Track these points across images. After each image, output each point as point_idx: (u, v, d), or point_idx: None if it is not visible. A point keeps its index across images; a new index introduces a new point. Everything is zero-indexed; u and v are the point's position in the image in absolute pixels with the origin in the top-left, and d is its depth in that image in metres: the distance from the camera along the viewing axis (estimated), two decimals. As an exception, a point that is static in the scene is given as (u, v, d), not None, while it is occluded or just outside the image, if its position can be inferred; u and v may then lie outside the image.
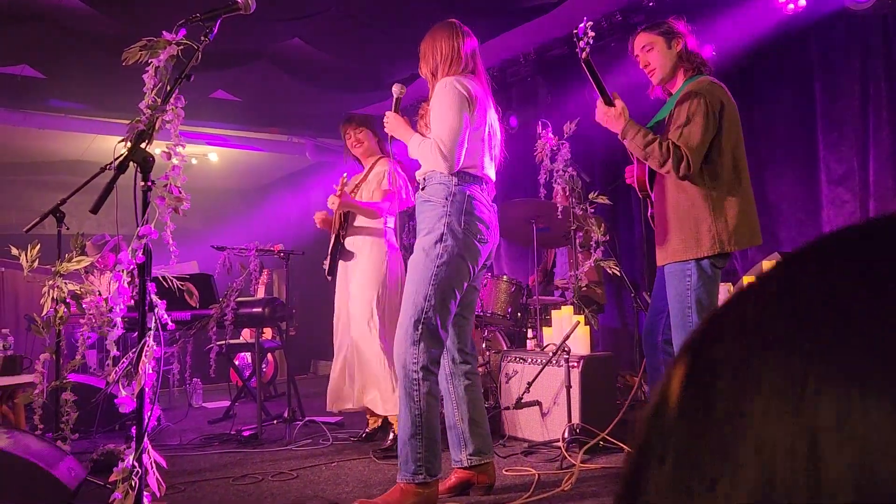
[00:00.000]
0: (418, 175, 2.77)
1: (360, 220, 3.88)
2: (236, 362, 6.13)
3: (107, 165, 2.78)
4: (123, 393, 1.76)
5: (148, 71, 1.87)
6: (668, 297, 2.85)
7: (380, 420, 3.91)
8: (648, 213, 3.07)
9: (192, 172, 8.48)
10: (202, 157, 8.28)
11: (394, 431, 3.63)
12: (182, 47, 1.91)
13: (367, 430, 4.01)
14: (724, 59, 4.71)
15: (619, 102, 2.84)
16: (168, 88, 1.88)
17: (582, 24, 2.79)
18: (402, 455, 2.56)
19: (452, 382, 2.79)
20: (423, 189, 2.71)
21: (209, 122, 7.34)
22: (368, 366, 3.73)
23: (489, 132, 2.78)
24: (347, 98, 6.92)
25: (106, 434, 4.28)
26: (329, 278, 3.97)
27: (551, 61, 6.14)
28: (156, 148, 1.93)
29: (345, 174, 3.93)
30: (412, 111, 2.96)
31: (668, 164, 2.70)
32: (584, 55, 2.79)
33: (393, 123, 2.82)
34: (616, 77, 5.07)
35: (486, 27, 5.36)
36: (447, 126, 2.61)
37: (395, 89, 2.92)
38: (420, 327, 2.56)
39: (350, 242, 3.88)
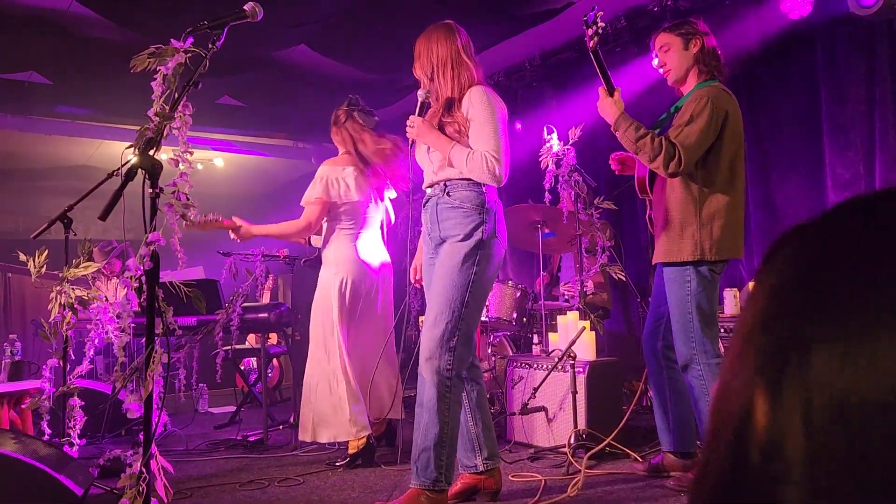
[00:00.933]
0: (434, 180, 2.74)
1: (327, 233, 3.69)
2: (242, 367, 6.14)
3: (114, 171, 2.80)
4: (131, 398, 1.77)
5: (156, 78, 1.89)
6: (669, 304, 2.86)
7: (384, 425, 3.86)
8: (647, 214, 3.08)
9: (197, 178, 8.53)
10: (208, 162, 8.31)
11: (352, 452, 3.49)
12: (190, 55, 1.92)
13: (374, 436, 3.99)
14: (730, 63, 4.71)
15: (616, 94, 2.86)
16: (176, 96, 1.89)
17: (592, 12, 2.79)
18: (423, 461, 2.54)
19: (465, 388, 2.79)
20: (448, 195, 2.68)
21: (215, 127, 7.37)
22: (315, 394, 3.52)
23: None
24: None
25: (113, 439, 4.29)
26: None
27: (557, 66, 6.15)
28: (161, 154, 1.95)
29: (209, 215, 3.53)
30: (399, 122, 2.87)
31: (659, 159, 2.70)
32: (592, 44, 2.80)
33: (422, 128, 2.70)
34: (620, 82, 5.07)
35: (492, 33, 5.37)
36: (498, 140, 2.61)
37: (421, 94, 2.78)
38: (458, 334, 2.55)
39: (324, 254, 3.72)
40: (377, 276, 3.68)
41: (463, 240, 2.61)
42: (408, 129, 2.76)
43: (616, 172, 3.24)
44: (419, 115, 2.76)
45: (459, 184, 2.66)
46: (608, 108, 2.85)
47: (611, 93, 2.87)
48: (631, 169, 3.13)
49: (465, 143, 2.65)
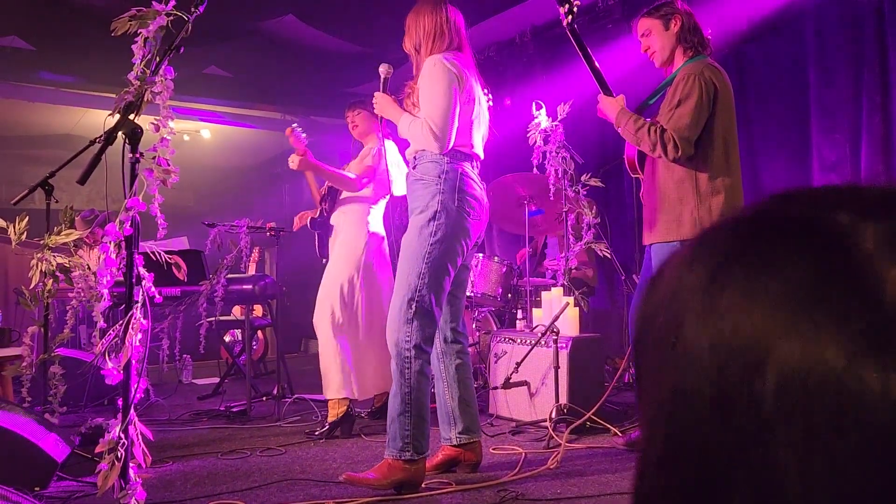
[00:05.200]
0: (408, 154, 2.78)
1: (345, 198, 3.83)
2: (227, 339, 6.13)
3: (97, 138, 2.76)
4: (110, 365, 1.76)
5: (137, 41, 1.85)
6: None
7: (384, 397, 3.86)
8: (640, 193, 3.09)
9: (184, 149, 8.43)
10: (194, 133, 8.22)
11: (333, 415, 3.62)
12: (172, 18, 1.89)
13: (375, 406, 4.01)
14: (719, 42, 4.69)
15: (620, 97, 2.90)
16: (157, 60, 1.86)
17: None
18: (391, 431, 2.57)
19: (444, 361, 2.80)
20: (414, 168, 2.71)
21: (202, 98, 7.28)
22: (322, 350, 3.69)
23: (478, 109, 2.78)
24: (340, 76, 6.88)
25: (95, 408, 4.28)
26: (323, 260, 3.94)
27: (548, 42, 6.10)
28: (148, 124, 1.92)
29: (294, 124, 3.78)
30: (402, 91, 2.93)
31: (658, 148, 2.72)
32: (567, 22, 2.80)
33: (382, 103, 2.81)
34: (614, 59, 5.05)
35: (483, 7, 5.32)
36: (437, 106, 2.60)
37: (382, 69, 2.90)
38: (413, 305, 2.56)
39: (334, 219, 3.86)
40: (386, 250, 3.85)
41: (422, 212, 2.64)
42: (374, 105, 2.85)
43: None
44: (383, 90, 2.86)
45: (423, 155, 2.68)
46: (608, 106, 2.90)
47: (606, 91, 2.93)
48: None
49: (418, 113, 2.68)
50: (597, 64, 2.93)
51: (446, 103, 2.61)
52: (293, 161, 3.65)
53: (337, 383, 3.59)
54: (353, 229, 3.77)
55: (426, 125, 2.59)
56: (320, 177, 3.84)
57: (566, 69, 5.71)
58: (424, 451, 2.60)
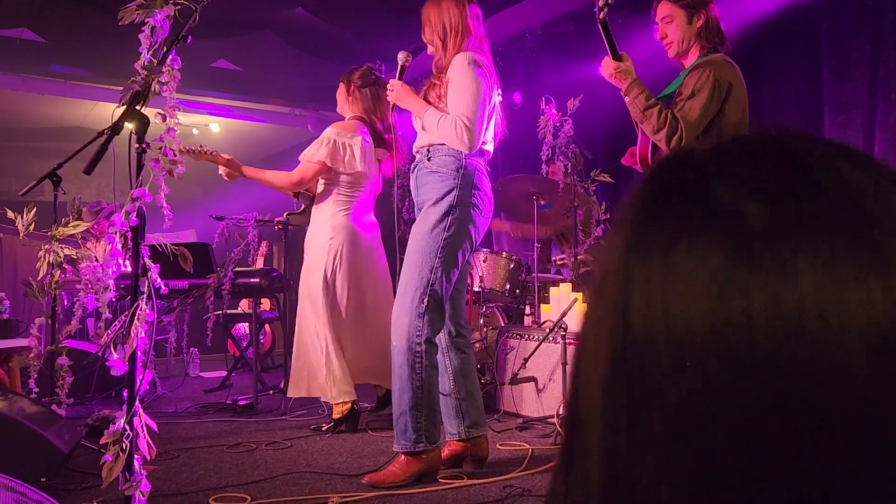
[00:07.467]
0: (419, 146, 2.75)
1: (321, 194, 3.65)
2: (234, 333, 6.14)
3: (105, 130, 2.75)
4: (115, 356, 1.75)
5: (144, 31, 1.84)
6: None
7: (385, 389, 3.83)
8: None
9: (193, 142, 8.43)
10: (203, 126, 8.22)
11: (335, 414, 3.53)
12: (179, 7, 1.87)
13: (378, 397, 3.99)
14: (732, 37, 4.64)
15: (627, 60, 2.75)
16: (165, 49, 1.84)
17: None
18: (400, 425, 2.57)
19: (448, 355, 2.79)
20: (428, 159, 2.68)
21: (211, 91, 7.28)
22: (306, 351, 3.57)
23: (495, 107, 2.77)
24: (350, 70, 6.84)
25: (102, 400, 4.30)
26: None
27: (558, 37, 6.06)
28: (155, 115, 1.91)
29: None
30: (415, 84, 2.89)
31: (662, 132, 2.63)
32: (601, 15, 2.70)
33: (401, 92, 2.74)
34: (635, 49, 4.99)
35: (494, 0, 5.28)
36: (472, 105, 2.58)
37: (401, 56, 2.83)
38: (426, 300, 2.56)
39: (317, 217, 3.69)
40: (370, 242, 3.71)
41: (434, 204, 2.61)
42: (388, 92, 2.78)
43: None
44: (399, 78, 2.79)
45: (440, 149, 2.66)
46: (620, 73, 2.71)
47: (615, 56, 2.75)
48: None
49: (445, 107, 2.64)
50: (619, 53, 2.79)
51: (479, 103, 2.59)
52: (223, 173, 3.66)
53: (324, 386, 3.49)
54: (328, 228, 3.58)
55: (459, 123, 2.56)
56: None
57: (577, 64, 5.67)
58: (436, 440, 2.61)
